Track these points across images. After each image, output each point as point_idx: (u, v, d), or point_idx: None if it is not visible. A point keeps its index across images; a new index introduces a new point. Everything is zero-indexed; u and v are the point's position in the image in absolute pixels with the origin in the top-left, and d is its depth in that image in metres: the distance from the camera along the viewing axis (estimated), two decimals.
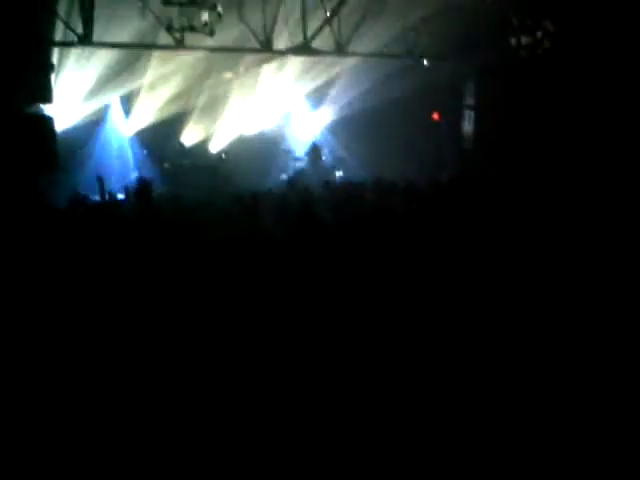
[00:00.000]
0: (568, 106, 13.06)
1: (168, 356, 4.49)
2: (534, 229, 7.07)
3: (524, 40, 13.27)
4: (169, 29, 11.00)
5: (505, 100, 14.36)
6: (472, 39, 14.06)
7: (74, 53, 12.26)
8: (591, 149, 12.27)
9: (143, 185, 10.92)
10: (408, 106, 15.54)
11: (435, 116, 17.09)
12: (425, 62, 15.20)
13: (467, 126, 16.87)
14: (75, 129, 14.09)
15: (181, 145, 16.11)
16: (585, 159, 12.07)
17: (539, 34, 13.09)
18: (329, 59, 14.76)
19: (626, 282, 5.30)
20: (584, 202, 8.30)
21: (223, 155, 16.51)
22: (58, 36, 11.11)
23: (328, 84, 17.00)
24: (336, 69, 15.96)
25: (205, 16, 10.70)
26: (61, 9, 10.64)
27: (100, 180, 11.66)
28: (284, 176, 16.16)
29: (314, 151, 16.69)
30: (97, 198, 11.39)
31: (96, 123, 14.85)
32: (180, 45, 11.84)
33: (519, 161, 13.02)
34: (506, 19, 13.50)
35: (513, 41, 13.40)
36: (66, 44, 11.22)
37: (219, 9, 10.78)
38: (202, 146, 16.44)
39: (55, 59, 11.88)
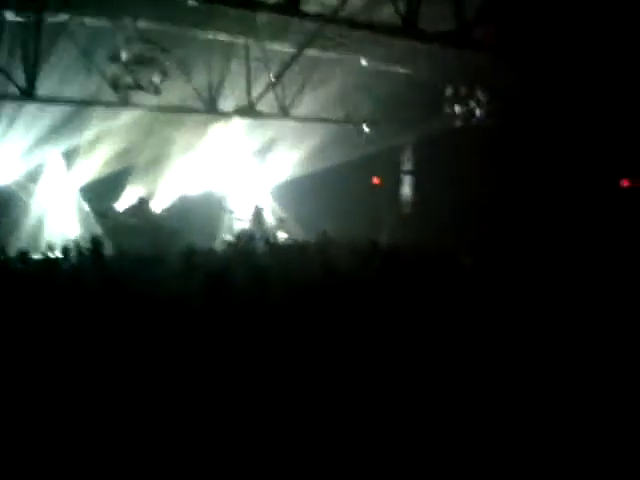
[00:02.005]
0: (502, 170, 13.80)
1: None
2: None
3: (458, 109, 14.02)
4: (115, 87, 11.07)
5: (442, 166, 15.00)
6: (409, 108, 14.78)
7: (15, 107, 12.15)
8: (526, 210, 12.94)
9: (96, 245, 10.70)
10: (349, 171, 16.01)
11: (375, 181, 17.61)
12: (364, 128, 15.78)
13: (406, 190, 17.46)
14: (13, 185, 13.84)
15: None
16: (521, 223, 12.68)
17: (472, 103, 13.90)
18: (273, 123, 15.16)
19: None
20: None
21: (166, 214, 16.43)
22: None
23: (272, 148, 17.37)
24: (279, 132, 16.36)
25: (151, 75, 10.83)
26: (3, 61, 10.60)
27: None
28: (227, 236, 16.17)
29: (257, 213, 16.87)
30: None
31: (34, 178, 14.56)
32: (125, 103, 11.96)
33: (457, 224, 13.49)
34: (441, 89, 14.26)
35: (448, 109, 14.13)
36: (8, 97, 11.14)
37: (166, 69, 10.96)
38: (145, 204, 16.32)
39: None
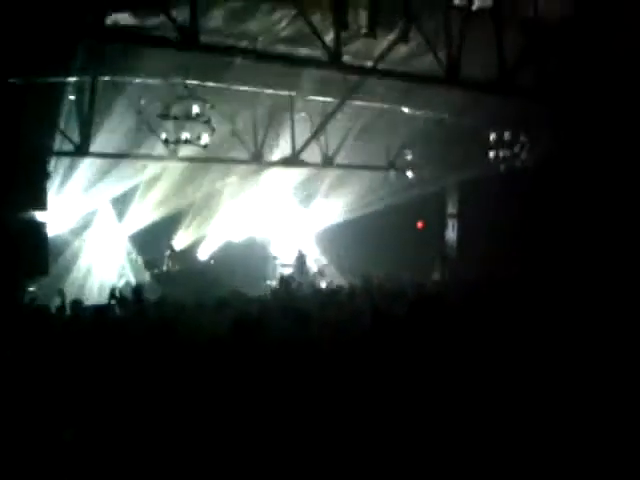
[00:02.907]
0: (547, 213, 13.69)
1: None
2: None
3: (502, 153, 14.00)
4: (165, 142, 11.45)
5: (487, 209, 14.92)
6: (452, 153, 14.82)
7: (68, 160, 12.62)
8: (573, 249, 12.76)
9: (137, 293, 10.96)
10: (393, 215, 16.06)
11: (419, 225, 17.62)
12: (409, 174, 15.86)
13: (451, 234, 17.39)
14: (65, 233, 14.31)
15: (171, 250, 16.29)
16: (568, 262, 12.49)
17: (516, 148, 13.87)
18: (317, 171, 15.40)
19: None
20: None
21: (211, 260, 16.71)
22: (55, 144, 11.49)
23: (315, 193, 17.58)
24: (324, 180, 16.59)
25: (199, 130, 11.18)
26: (60, 120, 11.11)
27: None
28: (271, 282, 16.29)
29: (299, 258, 16.97)
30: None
31: (84, 226, 15.02)
32: (174, 156, 12.34)
33: (501, 267, 13.34)
34: (484, 135, 14.28)
35: (492, 154, 14.11)
36: (63, 154, 11.63)
37: (212, 124, 11.29)
38: (191, 251, 16.65)
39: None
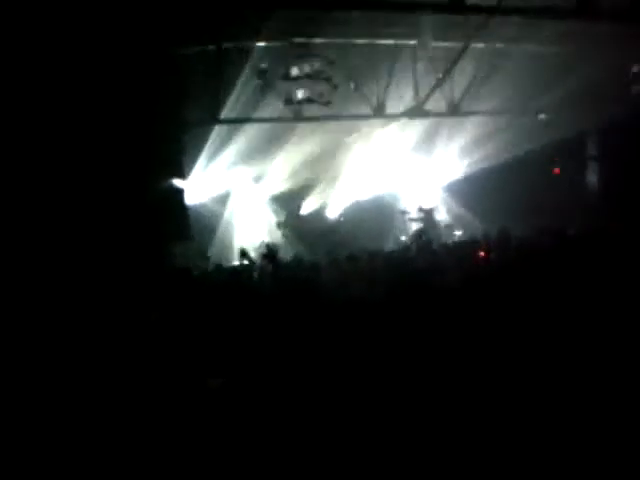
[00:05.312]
0: None
1: None
2: None
3: None
4: (287, 102, 11.67)
5: (632, 150, 13.82)
6: (590, 91, 13.73)
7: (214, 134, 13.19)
8: None
9: (270, 250, 11.48)
10: (529, 160, 15.28)
11: (557, 170, 16.67)
12: (542, 117, 14.98)
13: (592, 178, 16.32)
14: (209, 201, 15.16)
15: (300, 211, 16.77)
16: None
17: None
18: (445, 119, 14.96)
19: None
20: None
21: (341, 219, 16.96)
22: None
23: (442, 144, 17.11)
24: (450, 129, 16.08)
25: (321, 88, 11.26)
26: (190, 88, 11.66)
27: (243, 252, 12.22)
28: (402, 237, 16.27)
29: (428, 212, 16.70)
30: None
31: (227, 194, 15.78)
32: (298, 117, 12.54)
33: None
34: (625, 69, 13.10)
35: (635, 89, 12.95)
36: (197, 123, 12.21)
37: (334, 81, 11.32)
38: (321, 211, 16.99)
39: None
